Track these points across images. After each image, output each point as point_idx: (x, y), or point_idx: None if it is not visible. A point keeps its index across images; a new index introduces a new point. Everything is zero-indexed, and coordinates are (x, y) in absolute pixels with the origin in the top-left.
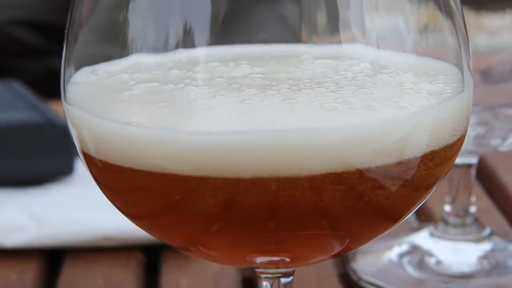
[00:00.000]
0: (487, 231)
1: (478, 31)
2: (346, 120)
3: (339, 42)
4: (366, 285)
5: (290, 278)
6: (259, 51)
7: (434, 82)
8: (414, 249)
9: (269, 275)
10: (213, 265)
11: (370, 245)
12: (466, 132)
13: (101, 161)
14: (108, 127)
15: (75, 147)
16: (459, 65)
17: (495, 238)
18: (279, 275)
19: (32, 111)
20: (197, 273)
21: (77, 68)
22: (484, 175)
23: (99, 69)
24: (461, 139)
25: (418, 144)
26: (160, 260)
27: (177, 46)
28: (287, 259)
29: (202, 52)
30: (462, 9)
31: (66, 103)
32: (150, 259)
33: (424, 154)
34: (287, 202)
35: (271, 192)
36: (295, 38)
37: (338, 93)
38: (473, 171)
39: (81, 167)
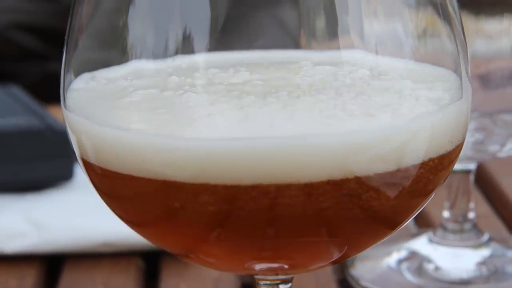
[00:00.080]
0: (485, 237)
1: (477, 36)
2: (345, 127)
3: (338, 47)
4: None
5: (289, 285)
6: (259, 57)
7: (432, 89)
8: (413, 255)
9: (268, 282)
10: (212, 271)
11: (368, 251)
12: (464, 139)
13: (101, 168)
14: (107, 134)
15: (74, 153)
16: (457, 71)
17: (494, 244)
18: (278, 281)
19: (31, 117)
20: (196, 279)
21: (77, 74)
22: (483, 181)
23: (99, 75)
24: (459, 146)
25: (417, 151)
26: (160, 266)
27: (176, 52)
28: (286, 266)
29: (201, 58)
30: (460, 15)
31: (66, 109)
32: (150, 265)
33: (422, 161)
34: (286, 209)
35: (271, 199)
36: (294, 43)
37: (337, 100)
38: (471, 177)
39: (80, 172)
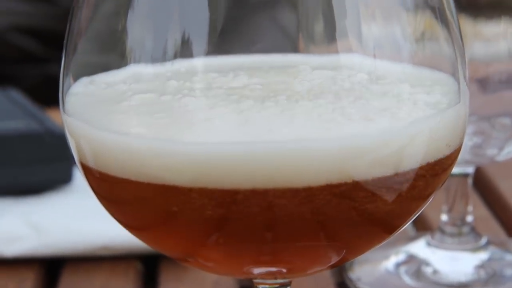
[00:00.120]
0: (484, 240)
1: (476, 40)
2: (344, 131)
3: (336, 51)
4: None
5: None
6: (258, 61)
7: (430, 93)
8: (411, 258)
9: (266, 286)
10: (211, 275)
11: (367, 254)
12: (462, 143)
13: (99, 172)
14: (106, 138)
15: (73, 157)
16: (455, 75)
17: (492, 248)
18: (276, 285)
19: (30, 120)
20: (195, 283)
21: (76, 78)
22: (481, 184)
23: (98, 79)
24: (457, 150)
25: (415, 155)
26: (159, 270)
27: (175, 56)
28: (285, 270)
29: (200, 62)
30: (458, 19)
31: (65, 113)
32: (149, 268)
33: (420, 165)
34: (285, 213)
35: (269, 203)
36: (293, 47)
37: (336, 104)
38: (470, 181)
39: (79, 176)
